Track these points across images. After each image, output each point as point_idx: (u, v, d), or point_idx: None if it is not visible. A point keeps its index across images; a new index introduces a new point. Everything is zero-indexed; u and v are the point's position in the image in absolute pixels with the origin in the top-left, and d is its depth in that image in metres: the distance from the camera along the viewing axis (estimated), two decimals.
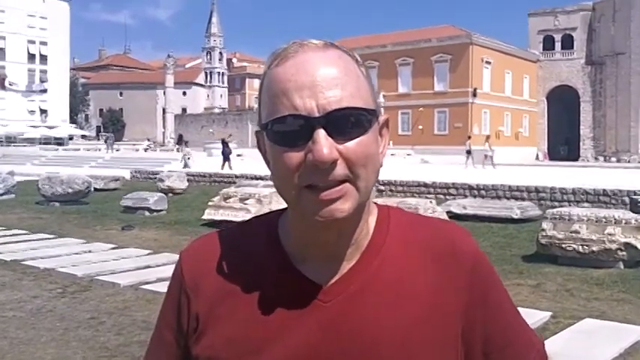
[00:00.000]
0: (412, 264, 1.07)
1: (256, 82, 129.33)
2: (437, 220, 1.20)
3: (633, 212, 11.47)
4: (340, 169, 0.95)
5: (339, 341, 1.02)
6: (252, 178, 24.76)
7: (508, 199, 18.64)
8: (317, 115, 0.95)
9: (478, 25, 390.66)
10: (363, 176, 0.98)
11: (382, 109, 1.07)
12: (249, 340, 1.04)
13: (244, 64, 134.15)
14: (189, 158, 35.94)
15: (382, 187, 21.02)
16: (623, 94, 68.07)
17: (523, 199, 18.12)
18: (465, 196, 19.36)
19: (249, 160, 38.36)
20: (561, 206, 15.05)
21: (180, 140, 76.74)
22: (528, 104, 71.91)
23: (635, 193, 16.82)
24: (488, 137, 45.16)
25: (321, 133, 0.94)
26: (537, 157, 69.94)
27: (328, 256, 1.05)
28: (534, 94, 73.10)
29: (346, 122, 0.96)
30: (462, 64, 62.27)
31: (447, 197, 19.52)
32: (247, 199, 14.19)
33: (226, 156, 33.71)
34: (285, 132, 0.97)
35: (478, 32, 65.16)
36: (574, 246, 9.80)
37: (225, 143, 34.94)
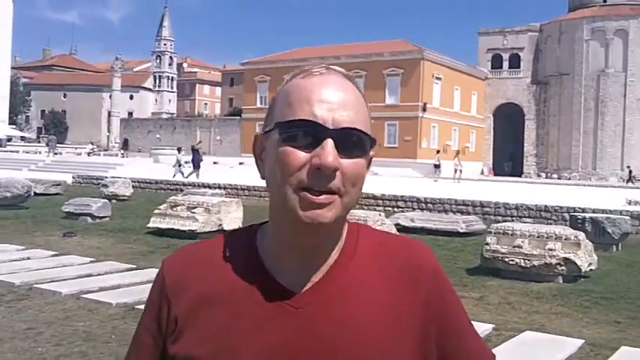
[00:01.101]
0: (378, 276, 1.16)
1: (206, 89, 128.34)
2: (400, 236, 1.31)
3: (573, 228, 11.78)
4: (337, 180, 1.06)
5: (311, 345, 1.10)
6: (200, 187, 24.60)
7: (454, 212, 18.93)
8: (331, 127, 1.05)
9: (430, 42, 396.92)
10: (350, 193, 1.08)
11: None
12: (225, 343, 1.11)
13: (195, 69, 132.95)
14: (181, 165, 33.31)
15: None
16: (566, 113, 69.91)
17: (469, 213, 18.43)
18: (413, 209, 19.57)
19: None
20: (505, 221, 15.36)
21: (125, 145, 75.53)
22: (475, 120, 73.20)
23: (574, 210, 17.27)
24: (458, 152, 46.57)
25: (330, 143, 1.04)
26: (482, 172, 71.18)
27: (303, 265, 1.14)
28: (482, 111, 74.45)
29: (352, 141, 1.07)
30: (413, 78, 63.10)
31: (396, 210, 19.71)
32: (195, 207, 14.02)
33: (196, 164, 32.85)
34: (299, 133, 1.06)
35: (430, 48, 66.20)
36: (516, 260, 10.00)
37: (195, 150, 33.80)
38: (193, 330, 1.14)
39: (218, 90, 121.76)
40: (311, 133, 1.06)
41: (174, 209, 14.20)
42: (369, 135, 1.10)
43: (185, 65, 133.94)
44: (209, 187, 24.51)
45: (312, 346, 1.10)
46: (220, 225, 13.77)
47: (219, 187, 24.43)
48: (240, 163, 48.97)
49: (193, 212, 13.89)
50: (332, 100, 1.08)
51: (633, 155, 66.95)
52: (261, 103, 75.83)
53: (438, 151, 48.67)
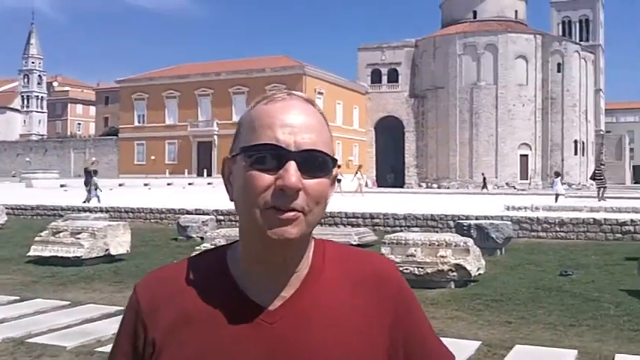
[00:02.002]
0: (347, 289, 1.22)
1: (79, 108, 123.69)
2: (364, 251, 1.36)
3: (459, 235, 12.18)
4: (300, 200, 1.11)
5: (285, 359, 1.15)
6: (80, 211, 23.60)
7: (345, 225, 19.17)
8: (292, 149, 1.11)
9: (311, 57, 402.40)
10: (314, 211, 1.13)
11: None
12: None
13: (67, 88, 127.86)
14: (96, 189, 30.70)
15: (221, 217, 20.85)
16: (443, 125, 72.73)
17: (359, 225, 18.71)
18: None
19: (75, 192, 36.30)
20: (394, 231, 15.69)
21: None
22: (358, 134, 74.76)
23: (459, 218, 17.91)
24: (360, 167, 47.41)
25: (292, 165, 1.10)
26: (367, 185, 72.59)
27: (274, 282, 1.19)
28: (363, 124, 76.15)
29: (313, 162, 1.13)
30: None
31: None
32: (80, 232, 13.35)
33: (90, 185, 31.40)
34: (263, 157, 1.12)
35: (311, 64, 67.11)
36: (410, 268, 10.23)
37: (88, 172, 31.68)
38: (171, 351, 1.17)
39: (92, 109, 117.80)
40: (274, 156, 1.11)
41: (57, 235, 13.45)
42: (330, 156, 1.15)
43: (56, 84, 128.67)
44: (90, 210, 23.57)
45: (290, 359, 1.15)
46: (107, 250, 13.20)
47: (102, 211, 23.55)
48: (120, 185, 47.61)
49: (78, 238, 13.22)
50: (294, 123, 1.13)
51: (507, 163, 70.54)
52: (139, 122, 74.13)
53: (339, 166, 49.39)
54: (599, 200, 30.35)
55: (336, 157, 1.18)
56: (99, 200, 28.80)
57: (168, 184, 56.23)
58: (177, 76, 72.73)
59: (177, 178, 62.18)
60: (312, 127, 1.15)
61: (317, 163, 1.13)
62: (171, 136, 71.54)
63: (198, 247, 12.40)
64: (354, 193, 40.99)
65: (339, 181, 44.09)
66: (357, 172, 44.29)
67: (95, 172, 31.88)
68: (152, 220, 23.18)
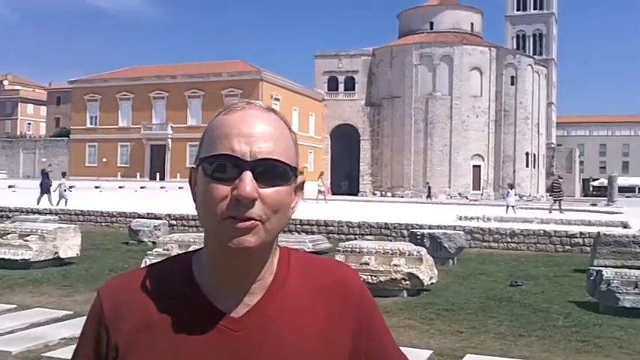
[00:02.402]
0: (311, 297, 1.24)
1: (30, 108, 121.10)
2: (329, 259, 1.41)
3: (413, 244, 12.27)
4: (257, 209, 1.12)
5: None
6: (29, 212, 23.09)
7: (299, 232, 19.14)
8: (248, 159, 1.12)
9: (269, 63, 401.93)
10: (272, 220, 1.14)
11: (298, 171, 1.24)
12: None
13: (17, 87, 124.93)
14: (65, 190, 29.91)
15: (174, 222, 20.62)
16: (398, 134, 73.36)
17: (313, 233, 18.70)
18: None
19: (24, 192, 35.51)
20: (348, 239, 15.73)
21: None
22: (314, 141, 74.85)
23: (413, 227, 18.05)
24: (321, 174, 47.72)
25: (248, 175, 1.11)
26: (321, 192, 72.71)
27: (239, 290, 1.20)
28: (319, 132, 76.31)
29: (271, 171, 1.14)
30: (252, 99, 61.26)
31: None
32: (28, 235, 13.07)
33: (46, 188, 30.28)
34: (219, 168, 1.13)
35: (268, 69, 66.97)
36: (364, 277, 10.23)
37: (45, 174, 31.15)
38: (135, 357, 1.17)
39: (43, 109, 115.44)
40: (230, 166, 1.12)
41: (4, 237, 13.15)
42: (288, 164, 1.16)
43: (6, 83, 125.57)
44: (39, 212, 23.08)
45: None
46: (56, 253, 12.94)
47: (52, 213, 23.07)
48: (71, 187, 46.61)
49: (26, 240, 12.93)
50: (250, 133, 1.14)
51: (460, 173, 71.46)
52: (91, 123, 73.00)
53: (302, 172, 50.00)
54: (557, 212, 31.10)
55: (295, 165, 1.19)
56: (66, 203, 28.25)
57: (120, 187, 55.47)
58: (131, 77, 71.84)
59: (130, 181, 61.35)
60: (270, 135, 1.15)
61: (274, 172, 1.14)
62: (124, 139, 70.57)
63: (149, 252, 12.23)
64: (317, 200, 41.31)
65: (320, 192, 44.46)
66: (319, 179, 44.70)
67: (48, 174, 31.35)
68: (103, 224, 22.84)
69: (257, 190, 1.11)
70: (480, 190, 71.30)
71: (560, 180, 35.07)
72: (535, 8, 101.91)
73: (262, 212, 1.12)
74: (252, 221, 1.11)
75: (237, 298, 1.20)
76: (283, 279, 1.23)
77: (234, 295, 1.20)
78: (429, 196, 58.93)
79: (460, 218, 23.41)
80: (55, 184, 30.09)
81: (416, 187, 71.57)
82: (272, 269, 1.23)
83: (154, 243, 15.53)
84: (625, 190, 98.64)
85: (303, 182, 1.25)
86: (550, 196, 36.32)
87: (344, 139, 75.84)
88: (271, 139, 1.15)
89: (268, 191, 1.13)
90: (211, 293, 1.20)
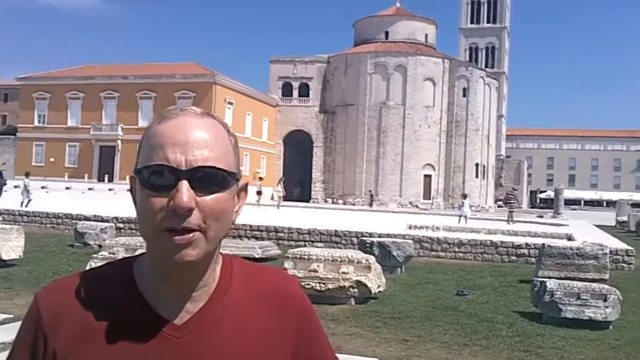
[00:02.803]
0: (252, 305, 1.25)
1: None
2: (270, 268, 1.40)
3: (362, 252, 12.32)
4: (195, 218, 1.10)
5: None
6: None
7: (249, 238, 19.04)
8: (184, 168, 1.10)
9: (223, 66, 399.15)
10: (213, 228, 1.13)
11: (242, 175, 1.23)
12: None
13: None
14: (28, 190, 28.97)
15: (121, 225, 20.30)
16: (351, 141, 73.70)
17: (263, 239, 18.63)
18: None
19: None
20: (298, 246, 15.72)
21: None
22: (267, 146, 74.71)
23: (362, 235, 18.13)
24: (281, 179, 47.97)
25: (184, 184, 1.09)
26: (273, 198, 72.59)
27: (181, 297, 1.19)
28: (273, 137, 76.18)
29: (208, 179, 1.12)
30: (205, 102, 63.03)
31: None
32: None
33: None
34: (154, 179, 1.11)
35: (223, 72, 66.62)
36: (312, 284, 10.23)
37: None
38: None
39: None
40: (166, 176, 1.11)
41: None
42: (226, 170, 1.14)
43: None
44: None
45: None
46: None
47: None
48: (16, 186, 45.48)
49: None
50: (185, 141, 1.12)
51: (411, 182, 72.13)
52: (39, 122, 71.48)
53: (261, 178, 50.64)
54: (508, 223, 31.74)
55: (235, 170, 1.18)
56: (27, 204, 27.25)
57: (67, 188, 54.32)
58: (82, 76, 70.61)
59: (77, 182, 60.20)
60: (205, 142, 1.13)
61: (211, 180, 1.12)
62: (73, 139, 69.26)
63: (95, 255, 12.02)
64: (278, 206, 41.61)
65: (259, 193, 44.32)
66: (278, 184, 45.01)
67: (1, 173, 30.62)
68: (48, 225, 22.40)
69: (195, 199, 1.10)
70: (430, 199, 72.06)
71: (515, 191, 35.86)
72: (488, 22, 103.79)
73: (201, 221, 1.10)
74: (192, 234, 1.10)
75: (180, 305, 1.19)
76: (226, 286, 1.23)
77: (177, 302, 1.19)
78: (371, 204, 59.28)
79: (410, 227, 23.61)
80: (20, 184, 29.18)
81: (367, 195, 71.98)
82: (215, 276, 1.23)
83: (100, 246, 15.27)
84: (571, 202, 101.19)
85: (246, 185, 1.23)
86: (505, 206, 37.16)
87: (297, 146, 75.87)
88: (207, 145, 1.13)
89: (207, 199, 1.11)
90: (153, 300, 1.19)
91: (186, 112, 1.18)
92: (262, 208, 38.64)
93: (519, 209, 73.62)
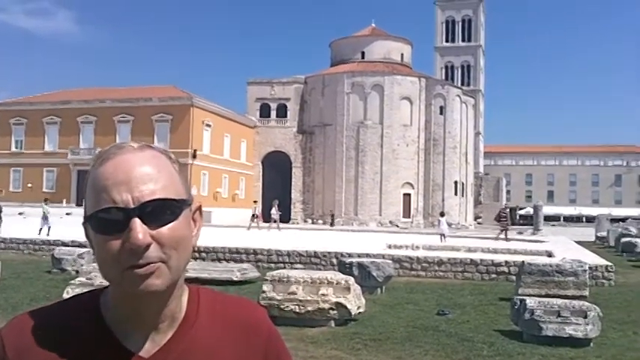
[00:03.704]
0: (219, 335, 1.25)
1: None
2: (237, 297, 1.38)
3: (341, 273, 12.26)
4: (154, 252, 1.11)
5: None
6: None
7: (228, 261, 18.89)
8: (132, 206, 1.10)
9: (201, 88, 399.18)
10: (174, 257, 1.13)
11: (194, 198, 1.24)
12: None
13: None
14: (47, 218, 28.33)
15: None
16: (330, 162, 73.79)
17: (242, 261, 18.49)
18: None
19: None
20: (277, 268, 15.63)
21: None
22: (245, 167, 74.56)
23: (342, 255, 18.06)
24: (278, 203, 48.54)
25: (136, 222, 1.09)
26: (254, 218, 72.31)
27: (148, 329, 1.19)
28: (251, 158, 76.07)
29: (158, 211, 1.12)
30: (183, 125, 62.89)
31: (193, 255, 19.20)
32: None
33: None
34: (106, 222, 1.11)
35: (200, 95, 66.50)
36: (291, 306, 10.16)
37: None
38: None
39: None
40: (117, 218, 1.11)
41: None
42: (175, 199, 1.14)
43: None
44: None
45: None
46: None
47: None
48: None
49: None
50: (128, 179, 1.12)
51: (391, 201, 72.25)
52: (16, 147, 70.87)
53: (255, 201, 51.09)
54: (504, 240, 31.91)
55: (185, 195, 1.17)
56: (48, 232, 26.47)
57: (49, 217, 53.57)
58: (59, 101, 70.16)
59: (55, 207, 59.55)
60: (148, 176, 1.13)
61: (162, 211, 1.12)
62: (50, 164, 68.63)
63: (72, 281, 11.84)
64: (278, 228, 41.80)
65: (254, 216, 44.39)
66: (273, 208, 45.30)
67: None
68: (25, 252, 22.15)
69: (150, 233, 1.09)
70: (410, 218, 72.20)
71: (507, 210, 36.02)
72: (463, 40, 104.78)
73: (161, 253, 1.11)
74: (153, 264, 1.10)
75: (147, 337, 1.18)
76: (193, 317, 1.23)
77: (144, 334, 1.18)
78: (332, 223, 59.22)
79: (390, 246, 23.59)
80: (39, 211, 28.53)
81: (347, 215, 71.94)
82: (181, 306, 1.23)
83: (77, 272, 15.08)
84: (550, 218, 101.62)
85: (200, 207, 1.23)
86: (499, 224, 37.39)
87: (276, 167, 75.80)
88: (151, 179, 1.13)
89: (162, 231, 1.11)
90: (120, 333, 1.18)
91: (124, 148, 1.17)
92: (263, 230, 38.97)
93: (495, 226, 74.05)
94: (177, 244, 1.13)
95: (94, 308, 1.22)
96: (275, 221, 43.70)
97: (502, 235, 33.90)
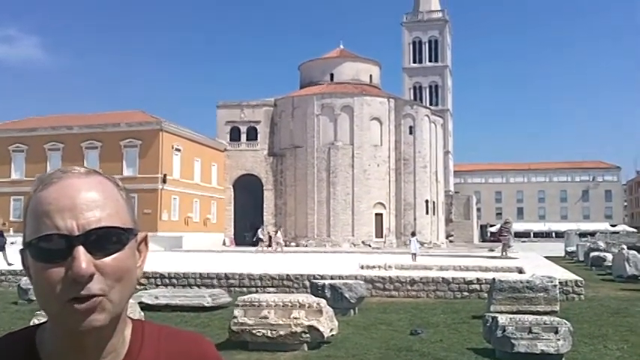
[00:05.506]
0: None
1: None
2: (184, 331, 1.33)
3: (314, 295, 12.19)
4: (96, 284, 1.06)
5: None
6: None
7: (199, 286, 18.69)
8: (77, 233, 1.06)
9: (170, 113, 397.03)
10: (117, 289, 1.09)
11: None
12: None
13: None
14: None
15: None
16: (301, 183, 73.78)
17: (214, 286, 18.31)
18: (157, 286, 18.98)
19: None
20: (249, 292, 15.50)
21: None
22: (216, 191, 74.18)
23: (314, 277, 17.98)
24: (279, 227, 48.63)
25: (80, 250, 1.05)
26: (224, 243, 71.92)
27: None
28: (222, 182, 75.73)
29: (104, 240, 1.08)
30: (152, 150, 62.42)
31: (138, 287, 18.96)
32: None
33: (1, 246, 28.75)
34: (47, 250, 1.06)
35: (169, 119, 66.17)
36: (263, 331, 10.06)
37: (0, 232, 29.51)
38: None
39: None
40: (59, 245, 1.05)
41: None
42: (120, 227, 1.10)
43: None
44: None
45: None
46: None
47: None
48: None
49: None
50: (73, 205, 1.07)
51: (363, 222, 72.30)
52: None
53: (259, 226, 51.76)
54: (502, 256, 32.07)
55: (131, 225, 1.13)
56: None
57: (12, 244, 52.66)
58: (25, 129, 69.34)
59: (20, 236, 58.56)
60: (95, 202, 1.08)
61: (108, 240, 1.07)
62: (18, 192, 67.60)
63: (39, 312, 11.59)
64: (274, 251, 41.94)
65: (259, 239, 44.46)
66: (277, 231, 45.59)
67: (2, 232, 30.56)
68: (5, 282, 21.69)
69: (93, 263, 1.05)
70: (382, 237, 72.29)
71: (508, 225, 36.18)
72: (430, 61, 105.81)
73: (104, 284, 1.06)
74: (95, 298, 1.05)
75: None
76: (136, 351, 1.18)
77: None
78: (269, 244, 59.07)
79: (362, 267, 23.55)
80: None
81: (320, 237, 71.81)
82: (124, 341, 1.18)
83: None
84: (520, 235, 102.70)
85: (146, 237, 1.19)
86: (499, 240, 37.59)
87: (247, 190, 75.56)
88: (97, 206, 1.08)
89: (106, 261, 1.06)
90: None
91: (69, 173, 1.13)
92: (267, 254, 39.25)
93: (466, 244, 74.56)
94: (121, 276, 1.08)
95: (30, 345, 1.16)
96: (278, 244, 44.23)
97: (508, 251, 34.16)
